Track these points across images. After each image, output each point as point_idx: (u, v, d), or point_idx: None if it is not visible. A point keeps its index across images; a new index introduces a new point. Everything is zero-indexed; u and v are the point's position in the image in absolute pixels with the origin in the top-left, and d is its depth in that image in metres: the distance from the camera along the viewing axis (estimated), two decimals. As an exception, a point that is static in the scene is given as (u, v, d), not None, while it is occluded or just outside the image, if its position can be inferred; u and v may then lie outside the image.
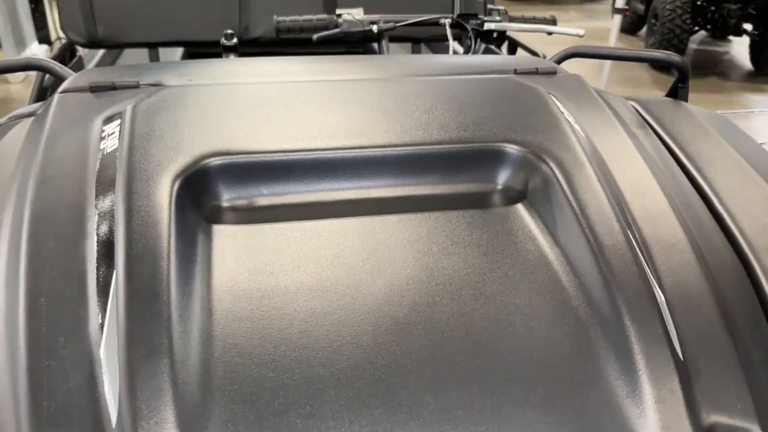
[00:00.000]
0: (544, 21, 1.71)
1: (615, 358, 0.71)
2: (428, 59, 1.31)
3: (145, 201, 0.81)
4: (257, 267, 0.79)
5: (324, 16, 1.64)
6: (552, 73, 1.25)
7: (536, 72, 1.25)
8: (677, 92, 1.40)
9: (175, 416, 0.62)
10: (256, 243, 0.82)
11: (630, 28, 7.32)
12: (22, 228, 0.82)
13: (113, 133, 0.95)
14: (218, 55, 2.33)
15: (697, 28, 6.38)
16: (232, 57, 1.60)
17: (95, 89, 1.12)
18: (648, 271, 0.79)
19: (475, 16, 1.64)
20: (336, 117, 0.99)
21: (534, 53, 1.83)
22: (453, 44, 1.66)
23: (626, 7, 4.96)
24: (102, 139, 0.96)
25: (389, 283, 0.77)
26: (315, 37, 1.62)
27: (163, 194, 0.82)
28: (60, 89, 1.15)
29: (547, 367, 0.70)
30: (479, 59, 1.34)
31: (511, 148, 0.94)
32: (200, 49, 2.52)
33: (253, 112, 0.99)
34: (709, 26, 6.42)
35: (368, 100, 1.04)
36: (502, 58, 1.37)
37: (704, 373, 0.71)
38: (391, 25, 1.63)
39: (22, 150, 0.99)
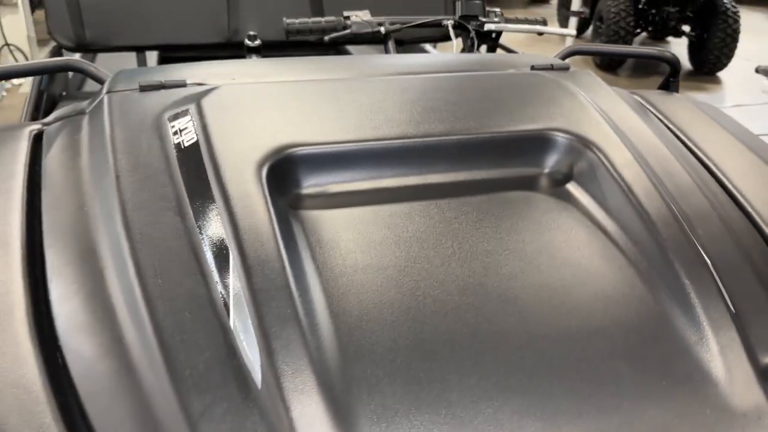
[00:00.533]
0: (536, 22, 1.82)
1: (678, 315, 0.81)
2: (453, 57, 1.40)
3: (240, 187, 0.87)
4: (345, 246, 0.85)
5: (332, 18, 1.71)
6: (565, 69, 1.36)
7: (551, 68, 1.35)
8: (669, 85, 1.54)
9: (314, 375, 0.68)
10: (339, 225, 0.89)
11: (576, 30, 7.62)
12: (117, 219, 0.86)
13: (185, 128, 1.01)
14: (202, 58, 2.36)
15: (639, 30, 6.69)
16: (254, 57, 1.65)
17: (145, 88, 1.16)
18: (693, 238, 0.89)
19: (475, 17, 1.74)
20: (392, 110, 1.06)
21: (512, 52, 1.95)
22: (453, 44, 1.76)
23: (582, 10, 5.17)
24: (174, 134, 1.01)
25: (465, 256, 0.85)
26: (327, 38, 1.68)
27: (255, 181, 0.88)
28: (105, 89, 1.19)
29: (620, 324, 0.80)
30: (494, 57, 1.44)
31: (557, 135, 1.04)
32: (189, 53, 2.54)
33: (316, 107, 1.06)
34: (650, 28, 6.74)
35: (417, 95, 1.12)
36: (515, 56, 1.47)
37: (753, 321, 0.81)
38: (397, 26, 1.71)
39: (90, 147, 1.03)
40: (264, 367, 0.69)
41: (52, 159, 1.05)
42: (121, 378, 0.71)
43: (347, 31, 1.68)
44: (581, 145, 1.02)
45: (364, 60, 1.34)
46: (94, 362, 0.73)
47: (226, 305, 0.75)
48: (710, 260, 0.88)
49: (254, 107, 1.05)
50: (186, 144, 0.97)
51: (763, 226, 1.01)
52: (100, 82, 1.30)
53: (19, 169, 1.03)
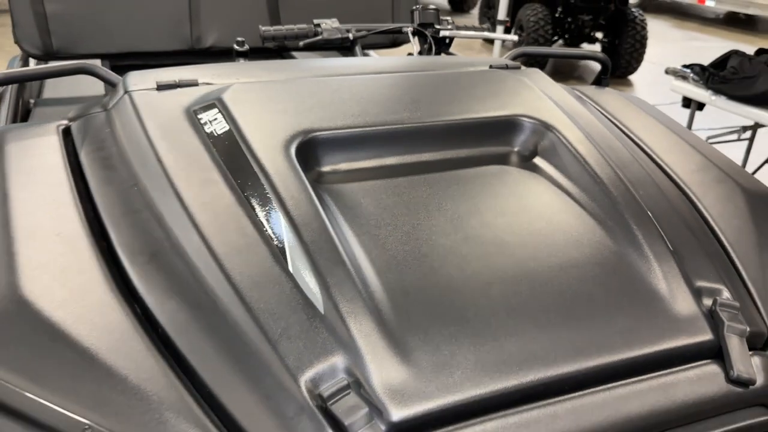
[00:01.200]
0: (483, 29, 2.06)
1: (631, 252, 1.04)
2: (428, 59, 1.61)
3: (276, 164, 1.05)
4: (365, 209, 1.04)
5: (304, 25, 1.89)
6: (517, 67, 1.59)
7: (506, 67, 1.58)
8: (601, 81, 1.80)
9: (362, 301, 0.87)
10: (355, 195, 1.08)
11: (497, 38, 8.01)
12: (170, 193, 1.02)
13: (215, 119, 1.17)
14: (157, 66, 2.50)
15: (556, 37, 7.15)
16: (241, 61, 1.80)
17: (162, 87, 1.32)
18: (636, 196, 1.13)
19: (431, 25, 1.96)
20: (388, 101, 1.26)
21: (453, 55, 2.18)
22: (415, 48, 1.97)
23: (507, 18, 5.52)
24: (204, 124, 1.17)
25: (461, 213, 1.06)
26: (302, 43, 1.86)
27: (288, 159, 1.06)
28: (123, 89, 1.33)
29: (588, 261, 1.02)
30: (459, 58, 1.66)
31: (523, 120, 1.26)
32: (151, 60, 2.66)
33: (323, 100, 1.24)
34: (566, 36, 7.21)
35: (405, 89, 1.32)
36: (474, 58, 1.69)
37: (685, 255, 1.06)
38: (363, 33, 1.91)
39: (126, 137, 1.18)
40: (324, 297, 0.87)
41: (90, 150, 1.19)
42: (209, 317, 0.87)
43: (319, 37, 1.86)
44: (543, 127, 1.25)
45: (350, 61, 1.54)
46: (181, 309, 0.89)
47: (284, 255, 0.93)
48: (650, 212, 1.11)
49: (271, 101, 1.22)
50: (219, 132, 1.14)
51: (683, 186, 1.27)
52: (111, 84, 1.44)
53: (60, 160, 1.17)
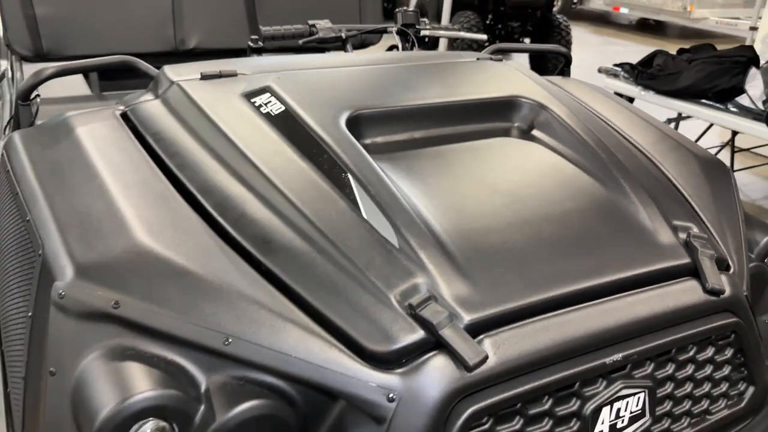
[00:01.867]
0: (455, 29, 2.31)
1: (620, 200, 1.30)
2: (425, 53, 1.84)
3: (332, 135, 1.25)
4: (407, 171, 1.26)
5: (300, 26, 2.08)
6: (500, 59, 1.85)
7: (490, 59, 1.83)
8: (563, 72, 2.08)
9: (430, 236, 1.09)
10: (399, 160, 1.29)
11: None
12: (244, 161, 1.21)
13: (269, 101, 1.36)
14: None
15: (488, 43, 7.55)
16: (255, 57, 1.97)
17: (206, 77, 1.49)
18: (617, 156, 1.40)
19: (413, 25, 2.19)
20: (409, 86, 1.48)
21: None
22: (399, 46, 2.20)
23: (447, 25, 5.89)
24: (259, 107, 1.36)
25: (483, 172, 1.29)
26: (301, 42, 2.05)
27: (342, 131, 1.27)
28: (169, 80, 1.49)
29: (587, 206, 1.27)
30: (449, 53, 1.90)
31: (521, 99, 1.51)
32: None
33: (356, 86, 1.45)
34: (497, 41, 7.62)
35: (419, 76, 1.55)
36: (462, 52, 1.93)
37: (663, 201, 1.32)
38: (354, 32, 2.12)
39: (190, 118, 1.35)
40: (397, 236, 1.08)
41: (154, 130, 1.36)
42: (305, 256, 1.07)
43: (315, 36, 2.06)
44: (538, 106, 1.50)
45: (362, 56, 1.75)
46: (279, 251, 1.08)
47: (357, 206, 1.14)
48: (630, 168, 1.38)
49: (313, 87, 1.43)
50: (275, 112, 1.33)
51: (648, 153, 1.55)
52: (149, 77, 1.60)
53: (130, 138, 1.33)
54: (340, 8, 2.96)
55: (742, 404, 1.26)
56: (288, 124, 1.30)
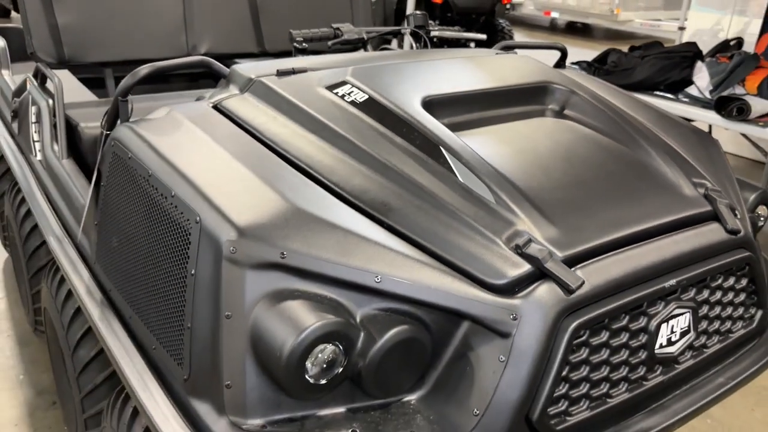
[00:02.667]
0: (459, 30, 2.57)
1: (647, 160, 1.57)
2: (464, 50, 2.09)
3: (415, 116, 1.48)
4: (481, 144, 1.50)
5: (326, 29, 2.29)
6: (514, 53, 2.11)
7: (507, 53, 2.10)
8: (560, 65, 2.36)
9: (516, 190, 1.33)
10: (466, 136, 1.53)
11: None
12: (346, 146, 1.42)
13: (351, 92, 1.57)
14: None
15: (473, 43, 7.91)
16: (300, 57, 2.15)
17: (281, 74, 1.69)
18: (638, 126, 1.68)
19: (423, 27, 2.43)
20: (461, 76, 1.72)
21: None
22: (414, 46, 2.44)
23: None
24: (342, 97, 1.57)
25: (530, 141, 1.55)
26: (330, 43, 2.26)
27: (423, 112, 1.50)
28: (250, 77, 1.68)
29: (618, 164, 1.53)
30: (472, 50, 2.15)
31: (552, 85, 1.77)
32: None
33: (420, 77, 1.68)
34: (445, 45, 7.96)
35: (466, 67, 1.79)
36: (481, 49, 2.18)
37: (679, 161, 1.61)
38: (374, 34, 2.35)
39: (281, 109, 1.54)
40: (492, 193, 1.32)
41: (248, 118, 1.54)
42: (423, 212, 1.29)
43: (340, 38, 2.28)
44: (567, 90, 1.77)
45: (407, 52, 1.98)
46: (399, 210, 1.30)
47: (452, 171, 1.37)
48: (650, 135, 1.66)
49: (383, 79, 1.65)
50: (360, 100, 1.55)
51: (654, 127, 1.83)
52: (223, 76, 1.78)
53: (232, 125, 1.52)
54: (334, 13, 3.18)
55: (753, 325, 1.56)
56: (375, 109, 1.52)
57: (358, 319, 1.17)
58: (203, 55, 2.90)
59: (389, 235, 1.25)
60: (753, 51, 4.04)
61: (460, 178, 1.36)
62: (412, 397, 1.22)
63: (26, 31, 2.58)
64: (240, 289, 1.16)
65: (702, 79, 3.78)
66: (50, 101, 2.29)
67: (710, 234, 1.45)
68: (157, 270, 1.32)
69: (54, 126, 2.23)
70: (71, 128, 2.26)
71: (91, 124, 2.26)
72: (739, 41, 4.25)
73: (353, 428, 1.15)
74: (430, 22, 2.48)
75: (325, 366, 1.12)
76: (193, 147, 1.42)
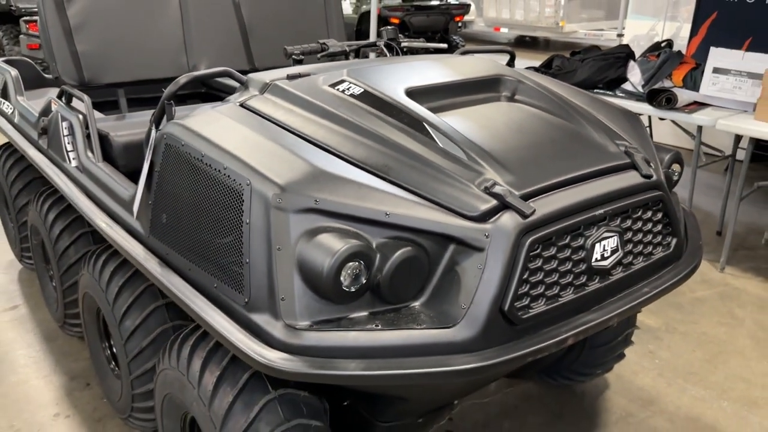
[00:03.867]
0: (424, 41, 3.04)
1: (586, 130, 2.04)
2: (439, 56, 2.54)
3: (401, 102, 1.92)
4: (458, 121, 1.94)
5: (315, 44, 2.72)
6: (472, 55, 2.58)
7: (473, 54, 2.56)
8: (510, 64, 2.84)
9: (484, 152, 1.77)
10: (445, 115, 1.97)
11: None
12: (353, 127, 1.85)
13: (348, 87, 2.01)
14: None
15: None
16: (298, 66, 2.56)
17: (292, 77, 2.12)
18: (577, 107, 2.14)
19: (395, 40, 2.89)
20: (435, 72, 2.18)
21: None
22: (388, 55, 2.89)
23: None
24: (343, 91, 2.00)
25: (493, 117, 2.00)
26: (319, 56, 2.69)
27: (410, 100, 1.94)
28: (264, 82, 2.10)
29: (564, 133, 2.00)
30: (442, 54, 2.60)
31: (506, 77, 2.24)
32: (159, 85, 3.35)
33: (402, 75, 2.12)
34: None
35: (441, 66, 2.25)
36: (444, 54, 2.64)
37: (608, 131, 2.08)
38: (354, 47, 2.79)
39: (299, 105, 1.96)
40: (465, 154, 1.76)
41: (275, 113, 1.95)
42: (413, 167, 1.72)
43: (327, 51, 2.71)
44: (515, 80, 2.24)
45: (392, 58, 2.42)
46: (399, 164, 1.73)
47: (433, 140, 1.80)
48: (583, 112, 2.13)
49: (374, 76, 2.08)
50: (357, 93, 1.98)
51: (588, 107, 2.31)
52: (242, 82, 2.20)
53: (263, 119, 1.93)
54: (312, 31, 3.63)
55: (670, 250, 2.02)
56: (370, 99, 1.96)
57: (374, 245, 1.59)
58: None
59: (392, 186, 1.69)
60: (679, 51, 4.60)
61: (440, 144, 1.80)
62: (416, 303, 1.65)
63: (51, 58, 2.96)
64: (286, 228, 1.58)
65: (635, 75, 4.32)
66: (80, 116, 2.67)
67: (629, 178, 1.91)
68: (216, 226, 1.72)
69: (87, 137, 2.62)
70: (101, 138, 2.65)
71: (120, 133, 2.66)
72: (669, 43, 4.82)
73: (376, 323, 1.57)
74: (399, 34, 2.94)
75: (353, 277, 1.54)
76: (232, 134, 1.83)
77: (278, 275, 1.57)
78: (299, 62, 2.57)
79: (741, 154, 4.26)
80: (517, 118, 2.04)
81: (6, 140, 3.56)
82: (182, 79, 2.04)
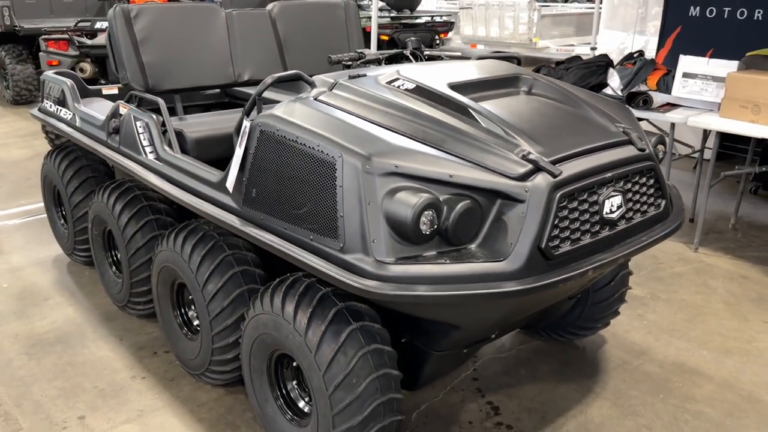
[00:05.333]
0: (442, 51, 3.55)
1: (593, 114, 2.56)
2: (465, 60, 3.04)
3: (452, 93, 2.41)
4: (494, 108, 2.44)
5: (354, 53, 3.20)
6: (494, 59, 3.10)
7: (495, 58, 3.08)
8: None
9: (511, 127, 2.27)
10: (483, 103, 2.47)
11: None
12: (411, 114, 2.34)
13: (402, 84, 2.50)
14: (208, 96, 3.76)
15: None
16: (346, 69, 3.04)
17: (352, 78, 2.60)
18: (583, 96, 2.66)
19: (419, 49, 3.39)
20: (463, 70, 2.68)
21: None
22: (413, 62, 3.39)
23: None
24: (398, 87, 2.49)
25: (528, 106, 2.50)
26: (357, 62, 3.18)
27: (451, 90, 2.43)
28: (331, 82, 2.58)
29: (576, 115, 2.51)
30: (467, 58, 3.11)
31: (524, 76, 2.75)
32: (206, 90, 3.83)
33: (438, 72, 2.62)
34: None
35: (468, 67, 2.75)
36: (468, 58, 3.15)
37: (607, 115, 2.60)
38: (386, 56, 3.28)
39: (364, 97, 2.44)
40: (503, 131, 2.26)
41: (344, 104, 2.43)
42: (465, 142, 2.21)
43: (364, 59, 3.20)
44: (532, 77, 2.75)
45: (427, 62, 2.91)
46: (452, 142, 2.22)
47: (477, 121, 2.30)
48: (587, 101, 2.65)
49: (422, 75, 2.57)
50: (410, 87, 2.47)
51: (587, 98, 2.83)
52: (310, 83, 2.67)
53: (333, 109, 2.41)
54: (335, 44, 4.13)
55: (661, 209, 2.54)
56: (422, 92, 2.45)
57: (441, 200, 2.07)
58: (246, 81, 3.80)
59: (450, 155, 2.17)
60: (653, 59, 5.19)
61: (483, 124, 2.29)
62: (473, 245, 2.13)
63: (121, 67, 3.41)
64: (373, 188, 2.05)
65: (614, 81, 4.89)
66: (154, 116, 3.13)
67: (628, 151, 2.43)
68: (313, 190, 2.18)
69: (163, 133, 3.07)
70: (176, 133, 3.10)
71: (191, 130, 3.11)
72: (641, 52, 5.41)
73: (444, 259, 2.05)
74: (422, 44, 3.45)
75: (428, 223, 2.02)
76: (315, 120, 2.30)
77: (369, 224, 2.04)
78: (348, 67, 3.06)
79: (708, 154, 4.85)
80: (537, 106, 2.55)
81: (53, 146, 4.00)
82: (268, 80, 2.51)
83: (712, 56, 6.17)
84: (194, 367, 3.04)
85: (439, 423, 2.85)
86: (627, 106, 4.67)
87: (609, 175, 2.30)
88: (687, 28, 6.90)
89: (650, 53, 6.86)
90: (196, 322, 3.14)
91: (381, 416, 2.23)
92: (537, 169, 2.13)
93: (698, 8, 6.84)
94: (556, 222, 2.12)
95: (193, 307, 3.15)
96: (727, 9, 6.62)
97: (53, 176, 4.17)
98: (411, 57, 3.38)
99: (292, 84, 3.50)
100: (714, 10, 6.69)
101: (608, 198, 2.29)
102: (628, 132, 2.51)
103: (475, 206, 2.10)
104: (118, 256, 3.77)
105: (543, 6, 13.39)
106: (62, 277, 4.25)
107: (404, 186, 2.07)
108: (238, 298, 2.78)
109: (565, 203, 2.15)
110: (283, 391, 2.59)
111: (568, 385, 3.14)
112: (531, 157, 2.14)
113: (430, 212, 2.02)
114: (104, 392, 3.07)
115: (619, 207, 2.33)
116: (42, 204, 5.28)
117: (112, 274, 3.77)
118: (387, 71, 2.66)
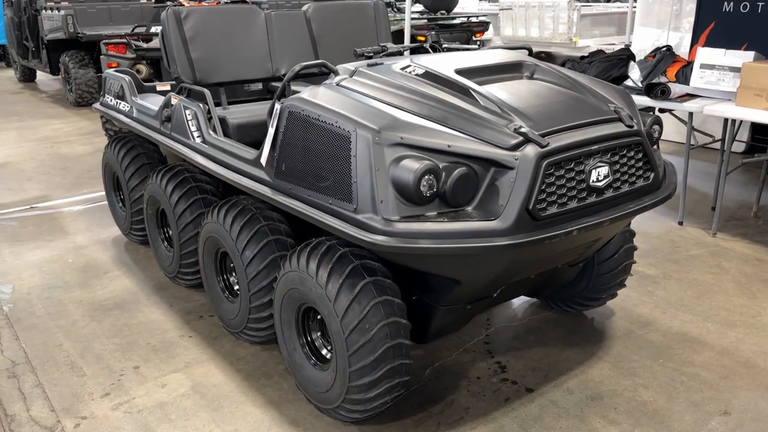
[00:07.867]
0: (457, 43, 3.86)
1: (593, 97, 2.83)
2: (474, 49, 3.35)
3: (453, 76, 2.73)
4: (494, 90, 2.74)
5: (377, 47, 3.54)
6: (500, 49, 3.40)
7: (507, 49, 3.38)
8: None
9: (510, 108, 2.58)
10: (484, 86, 2.78)
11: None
12: (421, 96, 2.66)
13: (414, 69, 2.82)
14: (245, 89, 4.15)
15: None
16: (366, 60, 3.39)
17: (371, 66, 2.94)
18: (583, 81, 2.94)
19: (438, 42, 3.71)
20: (471, 57, 2.99)
21: None
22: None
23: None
24: (410, 72, 2.82)
25: (516, 87, 2.80)
26: (381, 55, 3.52)
27: (456, 75, 2.75)
28: (352, 69, 2.93)
29: (579, 99, 2.79)
30: (476, 48, 3.42)
31: (526, 62, 3.04)
32: (248, 84, 4.22)
33: (446, 59, 2.93)
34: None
35: (481, 55, 3.06)
36: (477, 47, 3.45)
37: (607, 99, 2.87)
38: (407, 48, 3.61)
39: (384, 82, 2.78)
40: (500, 109, 2.56)
41: (363, 88, 2.76)
42: (465, 118, 2.52)
43: (386, 51, 3.53)
44: (534, 64, 3.04)
45: (442, 53, 3.24)
46: (454, 120, 2.53)
47: (477, 101, 2.61)
48: (585, 84, 2.92)
49: (431, 61, 2.90)
50: (420, 72, 2.80)
51: (588, 82, 3.10)
52: (334, 72, 3.02)
53: (353, 93, 2.75)
54: (365, 40, 4.48)
55: (650, 180, 2.80)
56: (431, 76, 2.77)
57: (440, 166, 2.39)
58: (283, 75, 4.18)
59: (450, 129, 2.49)
60: (672, 51, 5.38)
61: (481, 103, 2.60)
62: (469, 207, 2.44)
63: (173, 63, 3.83)
64: (382, 156, 2.38)
65: (635, 73, 5.10)
66: (201, 105, 3.53)
67: (616, 127, 2.69)
68: (331, 161, 2.53)
69: (209, 119, 3.47)
70: (220, 120, 3.50)
71: (232, 117, 3.50)
72: (669, 47, 5.59)
73: (443, 218, 2.36)
74: (440, 38, 3.76)
75: (428, 185, 2.34)
76: (336, 101, 2.64)
77: (378, 187, 2.37)
78: (370, 58, 3.40)
79: (737, 147, 5.01)
80: (535, 88, 2.84)
81: (112, 136, 4.46)
82: (297, 68, 2.88)
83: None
84: (234, 326, 3.42)
85: (449, 377, 3.16)
86: (647, 96, 4.89)
87: (595, 147, 2.57)
88: (721, 24, 7.02)
89: (685, 49, 7.01)
90: (236, 287, 3.53)
91: (390, 358, 2.56)
92: (527, 140, 2.42)
93: (732, 3, 6.96)
94: (543, 187, 2.41)
95: (233, 274, 3.54)
96: (760, 4, 6.72)
97: (113, 163, 4.63)
98: (430, 49, 3.70)
99: (321, 78, 3.85)
100: (748, 5, 6.79)
101: (595, 168, 2.57)
102: (619, 111, 2.77)
103: (470, 172, 2.41)
104: (170, 232, 4.19)
105: (584, 6, 13.51)
106: (120, 254, 4.71)
107: (408, 155, 2.39)
108: (271, 262, 3.15)
109: (552, 171, 2.44)
110: (309, 340, 2.94)
111: (573, 350, 3.41)
112: (522, 130, 2.44)
113: (430, 176, 2.34)
114: (156, 348, 3.48)
115: (605, 177, 2.60)
116: (102, 193, 5.79)
117: (164, 248, 4.20)
118: (402, 60, 2.99)
